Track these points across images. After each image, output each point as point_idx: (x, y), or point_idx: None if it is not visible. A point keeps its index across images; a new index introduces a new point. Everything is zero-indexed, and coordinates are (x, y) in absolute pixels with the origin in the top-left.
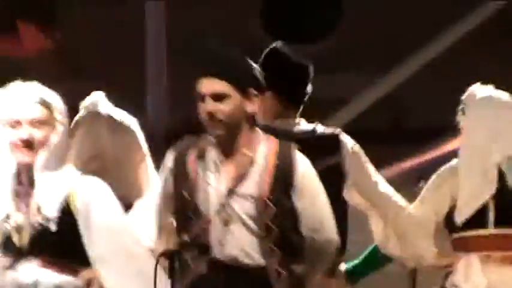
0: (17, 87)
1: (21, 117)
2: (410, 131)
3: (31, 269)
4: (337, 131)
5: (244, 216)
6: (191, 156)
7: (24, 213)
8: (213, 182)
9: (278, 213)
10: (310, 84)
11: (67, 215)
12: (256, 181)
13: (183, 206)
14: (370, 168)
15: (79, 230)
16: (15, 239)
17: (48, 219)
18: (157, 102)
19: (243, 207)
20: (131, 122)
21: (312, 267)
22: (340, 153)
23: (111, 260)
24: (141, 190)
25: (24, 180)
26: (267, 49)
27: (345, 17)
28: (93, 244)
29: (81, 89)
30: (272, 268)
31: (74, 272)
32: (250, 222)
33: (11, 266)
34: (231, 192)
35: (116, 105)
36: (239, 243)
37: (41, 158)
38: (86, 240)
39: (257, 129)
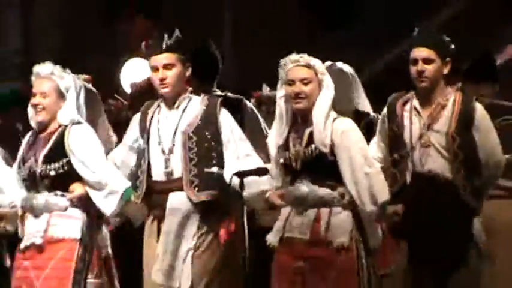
0: (291, 56)
1: (294, 78)
2: None
3: (303, 185)
4: (240, 97)
5: (437, 145)
6: (399, 104)
7: (298, 144)
8: (415, 121)
9: (462, 143)
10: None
11: (333, 147)
12: (447, 121)
13: (394, 137)
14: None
15: (335, 157)
16: (293, 163)
17: (317, 150)
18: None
19: (437, 139)
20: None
21: (487, 181)
22: (243, 112)
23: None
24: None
25: (300, 121)
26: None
27: None
28: (349, 167)
29: None
30: (459, 182)
31: (331, 187)
32: (442, 150)
33: (290, 183)
34: (428, 127)
35: None
36: (434, 164)
37: (317, 106)
38: (345, 164)
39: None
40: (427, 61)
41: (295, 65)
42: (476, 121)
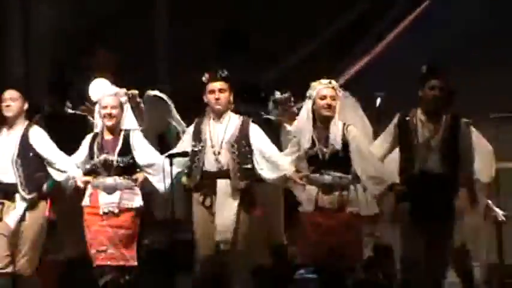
0: (322, 80)
1: (326, 94)
2: None
3: (328, 175)
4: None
5: (436, 149)
6: (411, 118)
7: (322, 144)
8: (420, 131)
9: (450, 147)
10: None
11: (344, 145)
12: (441, 133)
13: (407, 142)
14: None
15: (348, 152)
16: (320, 157)
17: (334, 147)
18: None
19: (436, 144)
20: None
21: (469, 173)
22: None
23: (366, 167)
24: None
25: (320, 125)
26: None
27: None
28: (360, 161)
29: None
30: (446, 173)
31: (347, 173)
32: (438, 152)
33: (317, 172)
34: (430, 137)
35: None
36: (433, 161)
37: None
38: (356, 158)
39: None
40: (442, 89)
41: (326, 86)
42: (460, 133)
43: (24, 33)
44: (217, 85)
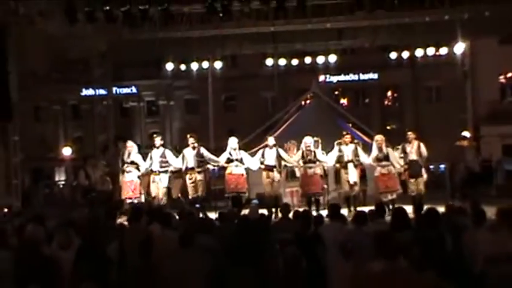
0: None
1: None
2: None
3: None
4: None
5: (414, 152)
6: (406, 145)
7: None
8: (408, 148)
9: (419, 151)
10: None
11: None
12: (415, 148)
13: (405, 151)
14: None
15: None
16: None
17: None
18: None
19: (414, 151)
20: None
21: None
22: None
23: (394, 160)
24: None
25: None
26: None
27: None
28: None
29: None
30: (419, 160)
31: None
32: (415, 153)
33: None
34: (411, 149)
35: None
36: (413, 156)
37: None
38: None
39: None
40: (413, 136)
41: (377, 139)
42: (421, 146)
43: None
44: (347, 138)
